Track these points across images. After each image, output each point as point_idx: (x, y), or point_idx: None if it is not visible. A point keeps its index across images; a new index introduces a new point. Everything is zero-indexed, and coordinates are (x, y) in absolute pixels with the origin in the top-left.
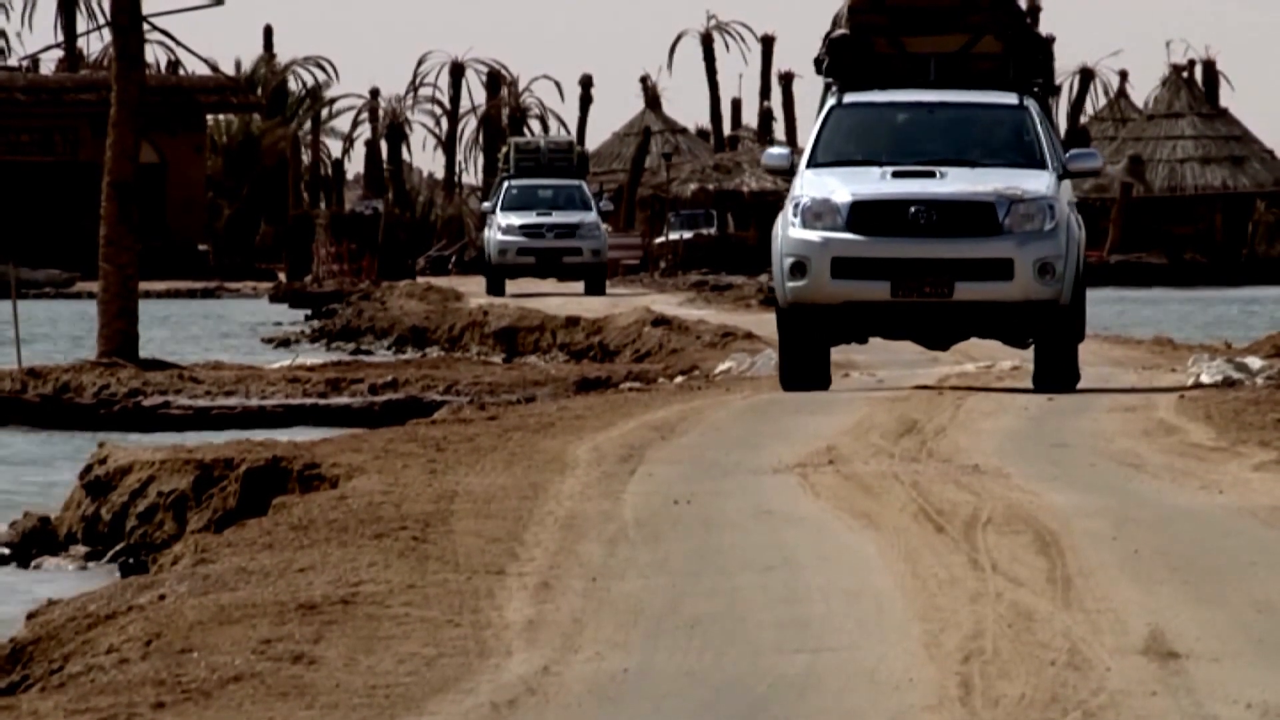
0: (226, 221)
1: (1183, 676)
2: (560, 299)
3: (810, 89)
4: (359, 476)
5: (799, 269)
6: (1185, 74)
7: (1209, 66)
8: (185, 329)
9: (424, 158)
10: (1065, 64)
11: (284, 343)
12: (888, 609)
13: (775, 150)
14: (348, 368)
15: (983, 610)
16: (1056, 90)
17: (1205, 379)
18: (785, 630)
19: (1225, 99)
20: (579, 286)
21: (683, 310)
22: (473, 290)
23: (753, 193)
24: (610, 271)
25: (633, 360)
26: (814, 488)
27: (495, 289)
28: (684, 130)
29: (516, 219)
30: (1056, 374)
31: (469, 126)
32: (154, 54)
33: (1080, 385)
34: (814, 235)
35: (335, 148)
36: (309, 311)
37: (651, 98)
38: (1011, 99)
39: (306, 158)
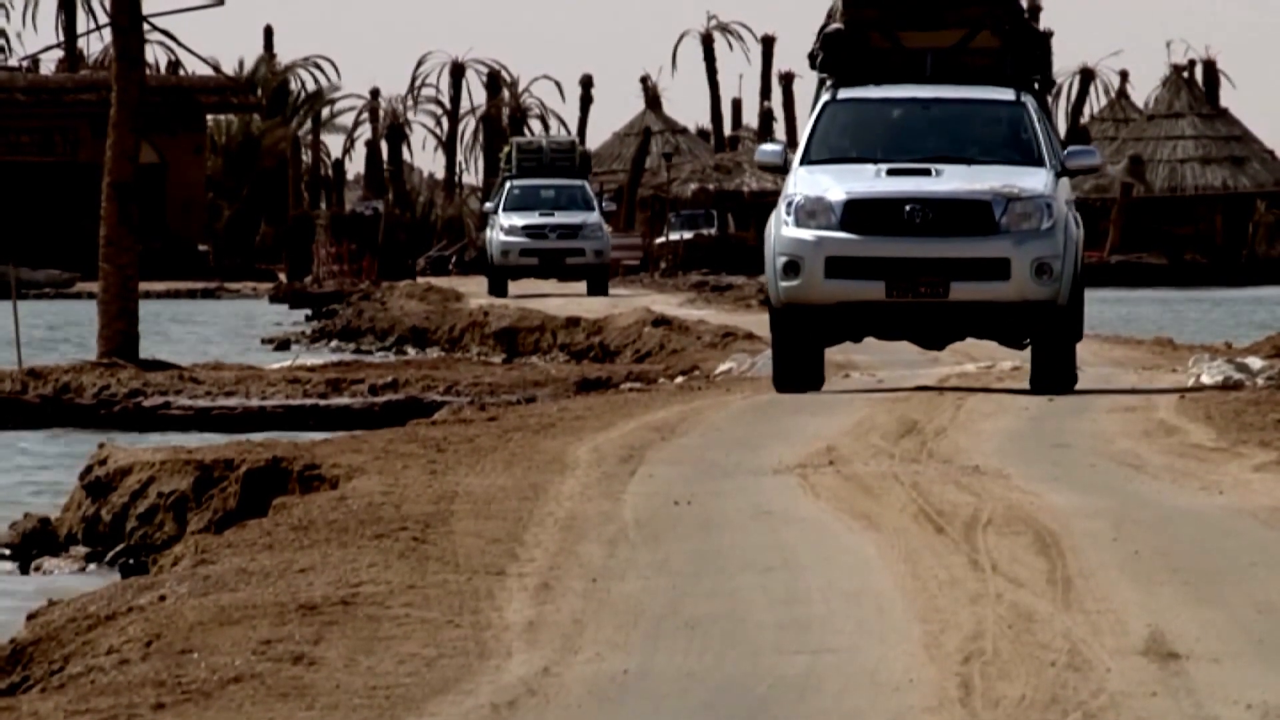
0: (226, 222)
1: (1183, 677)
2: (561, 299)
3: (811, 89)
4: (359, 477)
5: (792, 268)
6: (1185, 74)
7: (1209, 66)
8: (185, 329)
9: (424, 158)
10: (1065, 64)
11: (284, 344)
12: (888, 610)
13: (768, 146)
14: (348, 368)
15: (983, 611)
16: (1054, 86)
17: (1206, 379)
18: (785, 631)
19: (1225, 99)
20: (580, 287)
21: (683, 311)
22: (473, 291)
23: (753, 193)
24: (611, 272)
25: (633, 361)
26: (814, 488)
27: (497, 290)
28: (684, 130)
29: (519, 219)
30: (1053, 375)
31: (469, 127)
32: (154, 54)
33: (1080, 386)
34: (807, 234)
35: (336, 147)
36: (309, 312)
37: (652, 98)
38: (1009, 95)
39: (307, 158)
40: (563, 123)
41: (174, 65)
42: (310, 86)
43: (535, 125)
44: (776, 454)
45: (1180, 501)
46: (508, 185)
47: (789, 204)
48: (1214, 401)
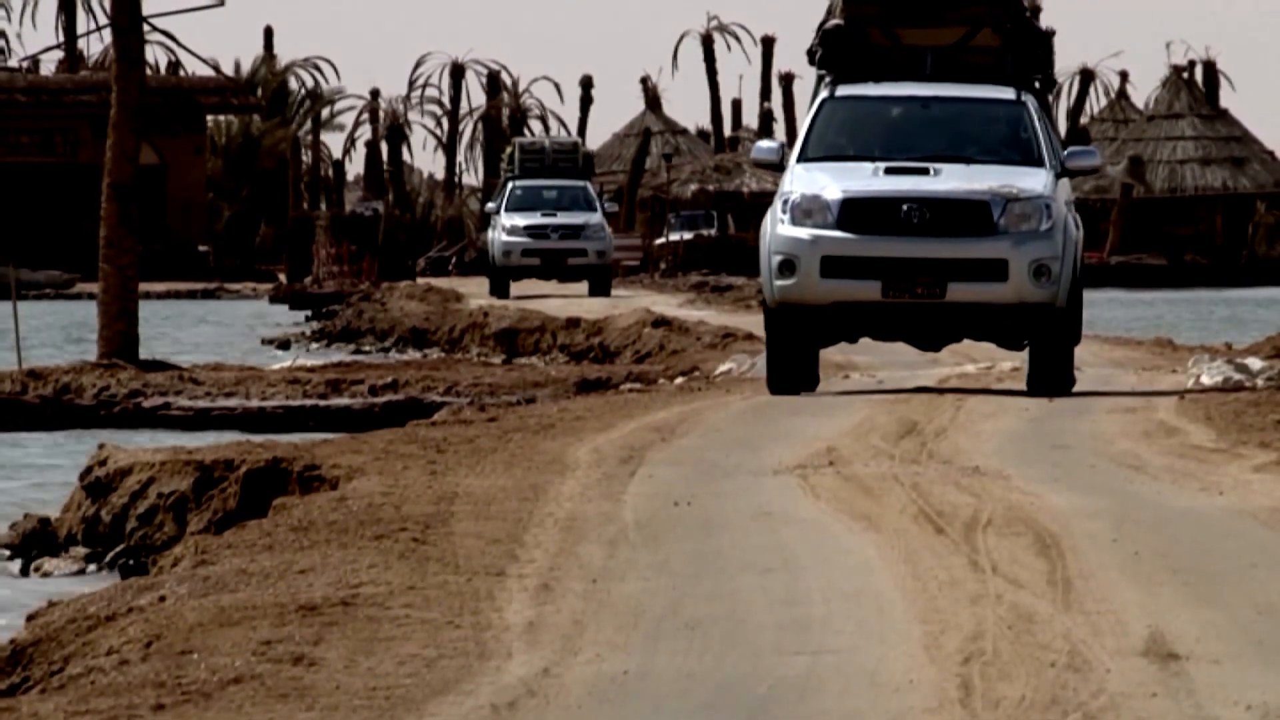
0: (226, 223)
1: (1183, 678)
2: (561, 300)
3: (810, 88)
4: (359, 478)
5: (787, 267)
6: (1185, 74)
7: (1209, 67)
8: (185, 329)
9: (424, 159)
10: (1065, 64)
11: (284, 344)
12: (888, 611)
13: (765, 144)
14: (348, 369)
15: (983, 612)
16: (1056, 86)
17: (1206, 380)
18: (785, 632)
19: (1225, 100)
20: (580, 288)
21: (683, 311)
22: (473, 291)
23: (753, 194)
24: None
25: (633, 361)
26: (814, 489)
27: (499, 290)
28: (684, 131)
29: (521, 220)
30: (1051, 378)
31: (469, 127)
32: (154, 55)
33: (1080, 387)
34: (803, 233)
35: (336, 147)
36: (309, 313)
37: (652, 98)
38: (1009, 94)
39: (306, 159)
40: (563, 123)
41: (174, 66)
42: (310, 87)
43: (535, 126)
44: (776, 455)
45: (1180, 502)
46: (510, 185)
47: (785, 202)
48: (1214, 402)
